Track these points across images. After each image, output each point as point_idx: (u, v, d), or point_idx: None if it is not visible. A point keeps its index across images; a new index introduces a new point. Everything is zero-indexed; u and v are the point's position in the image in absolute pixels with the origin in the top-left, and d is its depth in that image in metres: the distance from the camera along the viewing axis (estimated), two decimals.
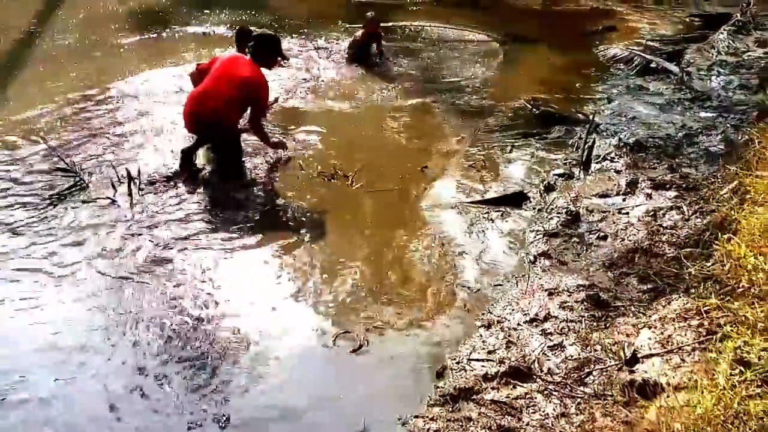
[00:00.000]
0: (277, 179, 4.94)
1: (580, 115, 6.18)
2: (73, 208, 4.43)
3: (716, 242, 3.50)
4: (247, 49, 5.04)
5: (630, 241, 4.04)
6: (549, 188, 4.83)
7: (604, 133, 5.76)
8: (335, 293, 3.66)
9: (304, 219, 4.40)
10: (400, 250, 4.07)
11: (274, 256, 3.99)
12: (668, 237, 4.00)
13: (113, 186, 4.67)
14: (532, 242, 4.13)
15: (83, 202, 4.54)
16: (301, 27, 9.34)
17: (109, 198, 4.54)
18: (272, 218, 4.42)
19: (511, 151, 5.49)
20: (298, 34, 8.81)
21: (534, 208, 4.56)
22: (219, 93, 4.77)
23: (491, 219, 4.42)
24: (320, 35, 8.59)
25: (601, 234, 4.15)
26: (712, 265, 3.37)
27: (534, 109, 6.30)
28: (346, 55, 7.63)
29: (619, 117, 6.17)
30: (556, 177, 5.02)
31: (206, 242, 4.07)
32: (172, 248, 3.99)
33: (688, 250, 3.75)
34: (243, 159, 5.12)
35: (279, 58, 5.05)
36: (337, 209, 4.58)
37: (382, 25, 9.07)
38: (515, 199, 4.69)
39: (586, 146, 5.28)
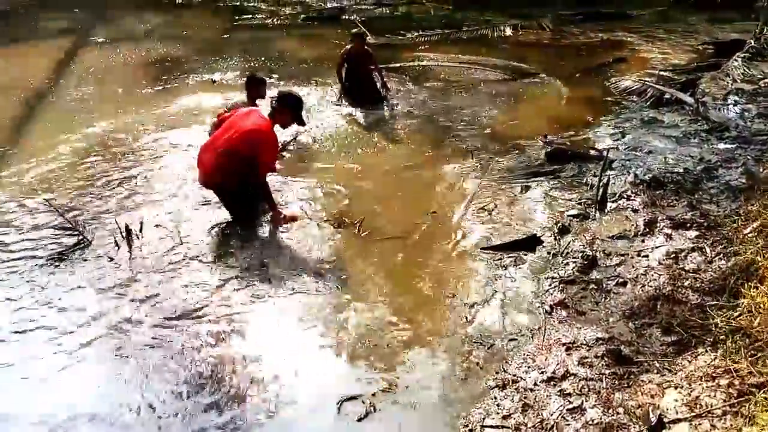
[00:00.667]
0: (286, 229, 4.82)
1: (593, 152, 6.03)
2: (71, 271, 4.32)
3: (743, 289, 3.29)
4: (271, 103, 4.93)
5: (651, 287, 3.84)
6: (564, 230, 4.66)
7: (620, 170, 5.59)
8: (342, 349, 3.50)
9: (310, 272, 4.26)
10: (408, 303, 3.91)
11: (277, 312, 3.85)
12: (691, 282, 3.80)
13: (116, 243, 4.59)
14: (547, 290, 3.95)
15: (84, 260, 4.47)
16: (303, 71, 9.38)
17: (109, 258, 4.45)
18: (278, 271, 4.29)
19: (523, 192, 5.34)
20: (299, 78, 8.83)
21: (549, 253, 4.38)
22: (217, 155, 4.68)
23: (504, 266, 4.25)
24: (322, 81, 8.57)
25: (620, 280, 3.96)
26: (739, 315, 3.16)
27: (546, 147, 6.16)
28: (339, 87, 7.58)
29: (635, 152, 6.00)
30: (571, 218, 4.85)
31: (211, 310, 3.92)
32: (172, 319, 3.84)
33: (713, 297, 3.53)
34: (254, 210, 5.00)
35: (296, 122, 4.90)
36: (345, 260, 4.44)
37: (390, 65, 9.11)
38: (529, 244, 4.53)
39: (601, 185, 5.11)
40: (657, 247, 4.28)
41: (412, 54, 10.29)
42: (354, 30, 7.48)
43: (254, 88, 5.86)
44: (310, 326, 3.71)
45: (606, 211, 4.94)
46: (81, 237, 4.72)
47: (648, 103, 7.31)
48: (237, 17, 14.26)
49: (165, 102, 7.74)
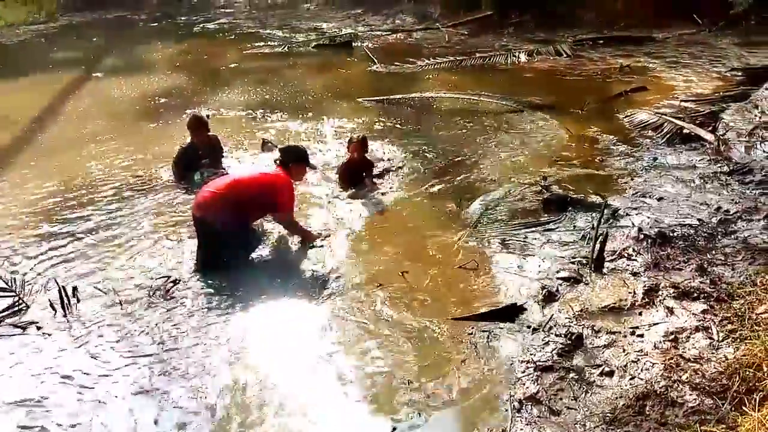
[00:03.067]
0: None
1: (596, 198, 5.41)
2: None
3: (746, 401, 2.65)
4: (281, 163, 4.88)
5: (642, 379, 3.21)
6: (549, 297, 4.05)
7: (623, 221, 4.96)
8: None
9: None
10: (349, 391, 3.36)
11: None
12: (690, 375, 3.15)
13: (52, 307, 4.17)
14: (519, 379, 3.34)
15: (14, 326, 4.06)
16: (307, 103, 8.99)
17: (38, 326, 4.03)
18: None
19: (511, 247, 4.75)
20: (302, 111, 8.44)
21: (528, 327, 3.77)
22: (220, 198, 4.53)
23: (474, 342, 3.66)
24: (327, 118, 8.12)
25: (606, 369, 3.33)
26: None
27: (544, 190, 5.57)
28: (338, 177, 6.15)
29: (643, 198, 5.36)
30: (560, 281, 4.24)
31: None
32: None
33: (714, 399, 2.89)
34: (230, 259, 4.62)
35: (307, 168, 5.10)
36: (297, 329, 3.92)
37: (392, 97, 8.64)
38: (508, 313, 3.93)
39: (598, 240, 4.49)
40: (655, 324, 3.64)
41: (418, 83, 9.84)
42: (354, 135, 6.14)
43: (198, 129, 6.06)
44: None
45: (602, 272, 4.31)
46: (18, 299, 4.33)
47: (664, 140, 6.65)
48: (250, 45, 14.07)
49: (150, 142, 7.38)
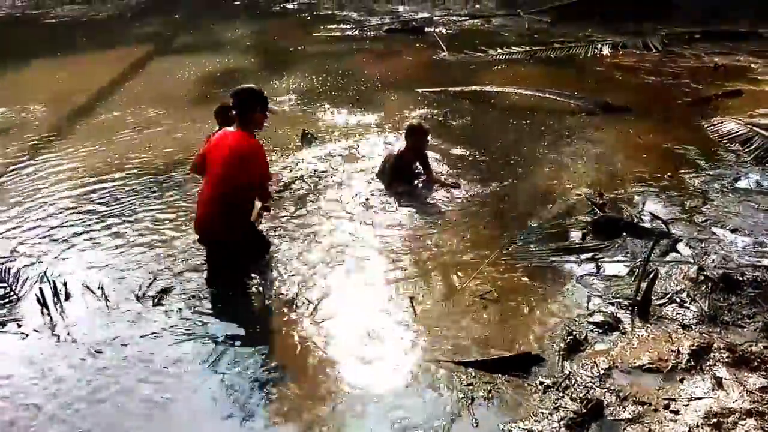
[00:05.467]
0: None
1: (657, 223, 4.65)
2: None
3: None
4: (235, 112, 4.10)
5: None
6: (574, 347, 3.41)
7: (683, 255, 4.20)
8: None
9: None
10: None
11: None
12: None
13: (39, 302, 3.97)
14: None
15: None
16: (360, 95, 8.51)
17: (18, 324, 3.83)
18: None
19: (542, 277, 4.12)
20: (353, 104, 7.97)
21: (541, 384, 3.17)
22: (212, 202, 4.02)
23: (471, 397, 3.10)
24: (377, 109, 7.64)
25: None
26: None
27: (594, 208, 4.86)
28: (380, 174, 5.53)
29: (714, 228, 4.56)
30: (592, 326, 3.58)
31: None
32: None
33: None
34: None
35: (267, 113, 4.20)
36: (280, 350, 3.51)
37: (451, 89, 8.07)
38: (521, 362, 3.35)
39: (646, 278, 3.78)
40: (696, 399, 2.95)
41: (485, 74, 9.15)
42: (413, 121, 5.59)
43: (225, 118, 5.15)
44: None
45: (645, 319, 3.62)
46: (9, 290, 4.17)
47: (751, 157, 5.71)
48: (321, 27, 13.74)
49: (196, 131, 7.10)
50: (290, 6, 17.69)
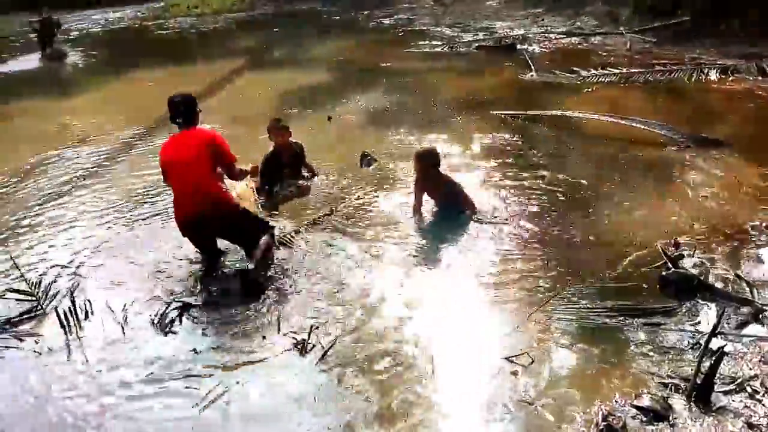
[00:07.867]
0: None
1: (741, 286, 3.95)
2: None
3: None
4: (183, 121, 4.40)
5: None
6: None
7: (764, 331, 3.50)
8: None
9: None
10: None
11: None
12: None
13: (60, 320, 3.95)
14: None
15: (15, 336, 3.89)
16: (436, 117, 8.13)
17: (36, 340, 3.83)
18: None
19: (587, 341, 3.56)
20: (423, 130, 7.62)
21: None
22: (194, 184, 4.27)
23: None
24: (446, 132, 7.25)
25: None
26: None
27: (666, 263, 4.21)
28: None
29: None
30: (635, 412, 3.02)
31: None
32: None
33: None
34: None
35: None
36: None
37: (530, 112, 7.56)
38: None
39: (710, 356, 3.16)
40: None
41: (572, 97, 8.52)
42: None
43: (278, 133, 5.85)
44: None
45: (703, 408, 3.00)
46: (37, 305, 4.19)
47: None
48: (413, 43, 13.52)
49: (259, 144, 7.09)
50: (387, 21, 17.62)
